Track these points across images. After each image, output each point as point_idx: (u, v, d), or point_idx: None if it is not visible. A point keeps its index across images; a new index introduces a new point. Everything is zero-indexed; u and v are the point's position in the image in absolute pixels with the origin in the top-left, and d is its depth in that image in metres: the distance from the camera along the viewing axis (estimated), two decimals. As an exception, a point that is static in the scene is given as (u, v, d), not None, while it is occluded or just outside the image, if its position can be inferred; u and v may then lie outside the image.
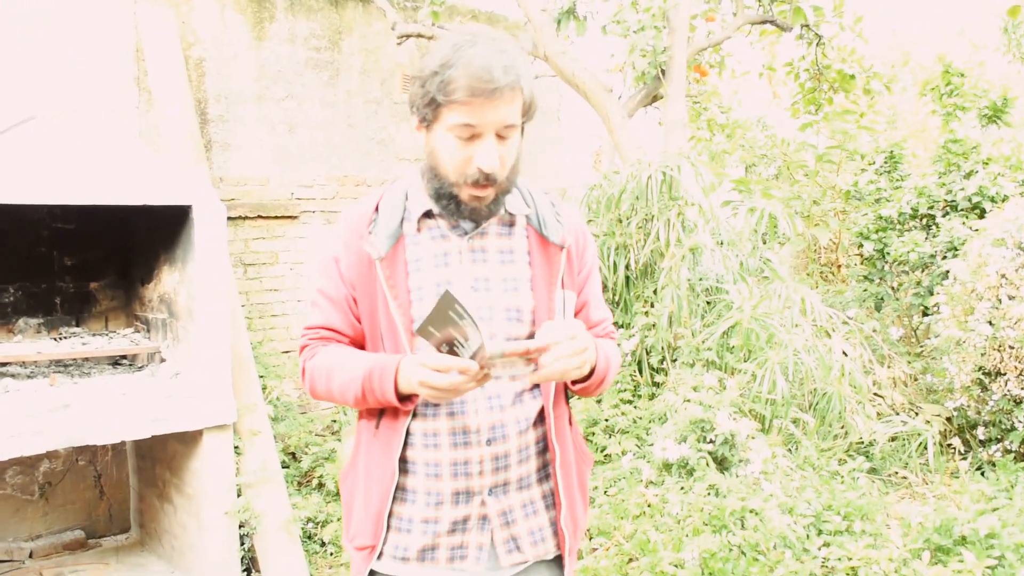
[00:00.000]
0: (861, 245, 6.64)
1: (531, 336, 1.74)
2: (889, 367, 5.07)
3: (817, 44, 6.58)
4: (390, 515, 1.74)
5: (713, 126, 7.66)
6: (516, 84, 1.58)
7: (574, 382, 1.72)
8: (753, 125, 7.89)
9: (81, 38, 4.86)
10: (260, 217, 5.70)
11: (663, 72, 4.90)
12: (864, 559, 3.23)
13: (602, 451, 4.21)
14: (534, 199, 1.81)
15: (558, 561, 1.83)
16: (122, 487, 4.88)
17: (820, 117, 6.94)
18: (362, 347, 1.79)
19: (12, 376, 4.05)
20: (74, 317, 4.63)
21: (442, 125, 1.61)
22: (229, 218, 5.51)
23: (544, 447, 1.78)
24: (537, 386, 1.77)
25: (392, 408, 1.70)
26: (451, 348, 1.52)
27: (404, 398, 1.64)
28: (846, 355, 4.72)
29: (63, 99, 4.80)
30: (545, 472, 1.80)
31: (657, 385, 4.29)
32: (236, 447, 4.16)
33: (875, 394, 4.85)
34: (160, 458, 4.43)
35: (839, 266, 8.19)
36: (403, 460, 1.73)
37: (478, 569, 1.72)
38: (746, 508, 3.42)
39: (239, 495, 4.06)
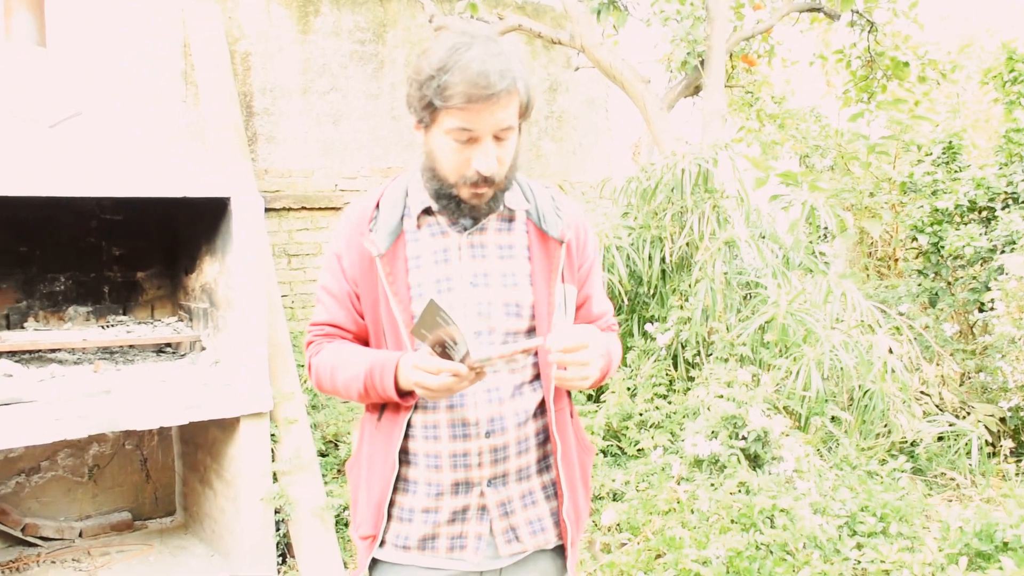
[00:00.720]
0: (915, 239, 6.44)
1: (531, 330, 1.75)
2: (938, 364, 4.92)
3: (869, 31, 6.38)
4: (392, 505, 1.78)
5: (763, 116, 7.50)
6: (512, 88, 1.58)
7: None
8: (806, 115, 7.70)
9: (131, 34, 4.99)
10: (304, 208, 5.79)
11: (702, 63, 4.80)
12: (897, 562, 3.14)
13: (635, 445, 4.17)
14: (534, 194, 1.81)
15: (559, 551, 1.84)
16: (168, 471, 5.02)
17: (872, 106, 6.73)
18: (366, 342, 1.82)
19: (60, 362, 4.19)
20: (122, 306, 4.77)
21: (439, 128, 1.62)
22: (274, 209, 5.61)
23: (544, 439, 1.80)
24: (537, 378, 1.78)
25: (394, 402, 1.73)
26: (444, 349, 1.54)
27: (405, 394, 1.67)
28: (892, 352, 4.60)
29: (114, 94, 4.94)
30: (546, 463, 1.82)
31: (692, 380, 4.23)
32: (273, 435, 4.24)
33: (921, 392, 4.71)
34: (202, 444, 4.54)
35: (895, 260, 7.96)
36: (404, 452, 1.76)
37: (477, 559, 1.75)
38: (776, 507, 3.36)
39: (275, 481, 4.14)
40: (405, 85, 1.68)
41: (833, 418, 4.16)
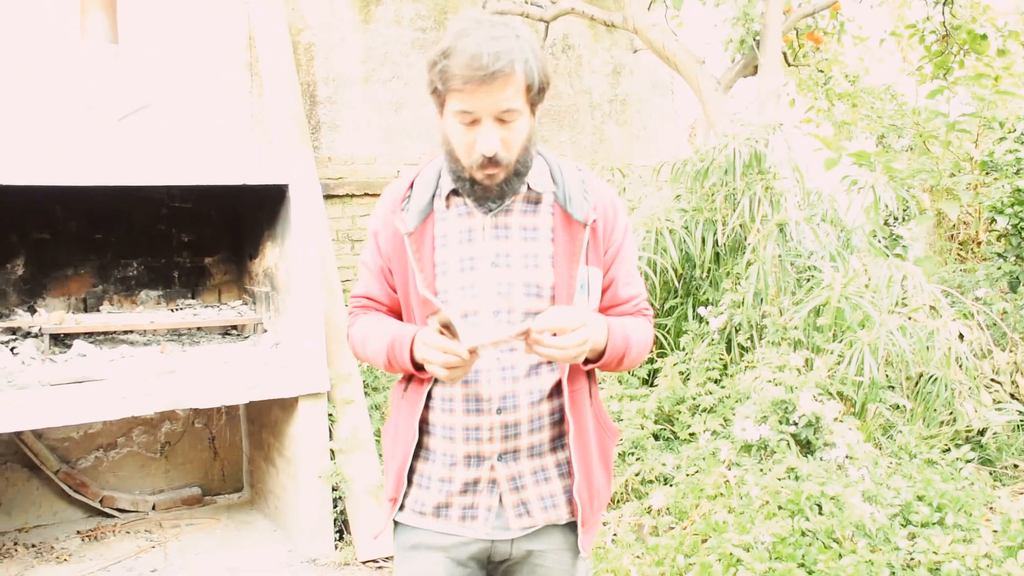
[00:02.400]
0: (993, 220, 6.17)
1: None
2: (1012, 351, 4.72)
3: (944, 3, 6.11)
4: (413, 471, 1.86)
5: (833, 95, 7.27)
6: (508, 69, 1.61)
7: (585, 361, 1.77)
8: (881, 94, 7.44)
9: (198, 28, 5.17)
10: (367, 195, 5.90)
11: (757, 42, 4.69)
12: (950, 554, 3.05)
13: (687, 429, 4.15)
14: (563, 176, 1.84)
15: (573, 527, 1.88)
16: (235, 449, 5.22)
17: (949, 82, 6.45)
18: (399, 315, 1.92)
19: (131, 343, 4.40)
20: (190, 290, 4.97)
21: (448, 111, 1.68)
22: (337, 196, 5.74)
23: (560, 418, 1.84)
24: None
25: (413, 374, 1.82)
26: (452, 331, 1.61)
27: (421, 366, 1.73)
28: (962, 337, 4.43)
29: (182, 87, 5.14)
30: (561, 442, 1.85)
31: (746, 364, 4.18)
32: (330, 414, 4.37)
33: (992, 380, 4.53)
34: (265, 423, 4.71)
35: (978, 243, 7.63)
36: (425, 421, 1.85)
37: (487, 529, 1.81)
38: (824, 494, 3.30)
39: (332, 459, 4.27)
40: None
41: (894, 406, 4.05)
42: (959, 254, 7.56)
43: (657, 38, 4.70)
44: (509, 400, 1.76)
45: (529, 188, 1.79)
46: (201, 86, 5.15)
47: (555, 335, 1.60)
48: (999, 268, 6.15)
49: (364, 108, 5.84)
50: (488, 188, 1.73)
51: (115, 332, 4.45)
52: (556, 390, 1.82)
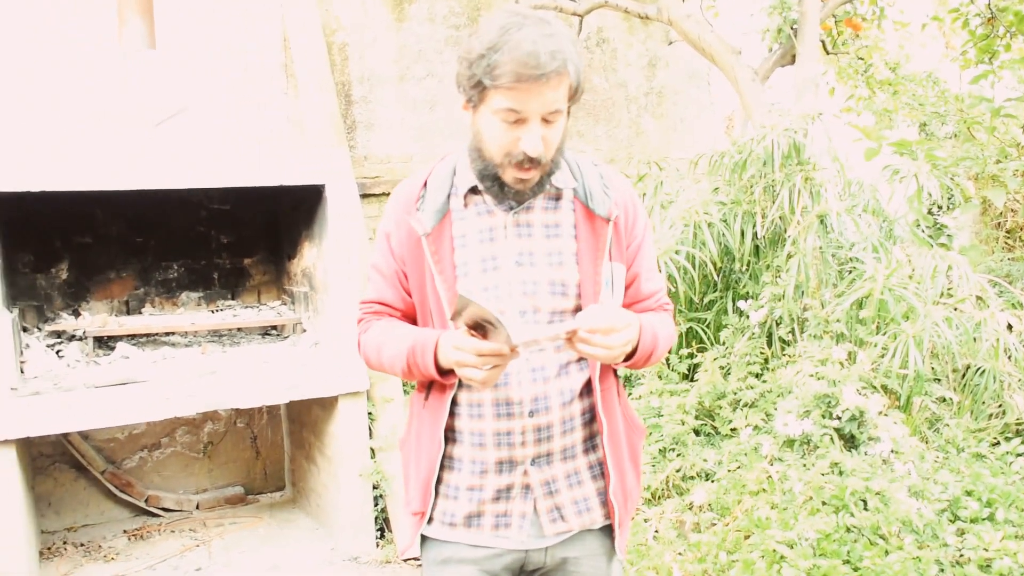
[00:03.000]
0: (1043, 207, 6.00)
1: (577, 310, 1.75)
2: (1064, 342, 4.58)
3: (990, -15, 5.96)
4: (439, 482, 1.81)
5: (873, 83, 7.13)
6: (563, 69, 1.58)
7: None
8: (923, 81, 7.28)
9: (233, 32, 5.23)
10: (403, 193, 5.92)
11: (794, 31, 4.60)
12: (1001, 551, 2.97)
13: (728, 424, 4.10)
14: (582, 171, 1.80)
15: (607, 531, 1.84)
16: (277, 448, 5.27)
17: (996, 67, 6.28)
18: (414, 320, 1.85)
19: (173, 345, 4.46)
20: (230, 291, 5.02)
21: (488, 108, 1.63)
22: (373, 195, 5.76)
23: (591, 418, 1.80)
24: (583, 358, 1.77)
25: (437, 380, 1.76)
26: (483, 331, 1.55)
27: (445, 372, 1.69)
28: (1011, 328, 4.32)
29: (219, 90, 5.19)
30: (592, 443, 1.82)
31: (788, 358, 4.11)
32: (369, 413, 4.39)
33: (1043, 371, 4.40)
34: (306, 422, 4.75)
35: (1025, 231, 7.43)
36: (450, 430, 1.79)
37: (521, 536, 1.76)
38: (870, 489, 3.23)
39: (372, 458, 4.29)
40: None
41: (940, 399, 3.96)
42: (1007, 242, 7.38)
43: (692, 29, 4.64)
44: (541, 402, 1.72)
45: (550, 184, 1.75)
46: (237, 89, 5.20)
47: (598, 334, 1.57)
48: (1049, 256, 6.00)
49: (398, 107, 5.85)
50: (520, 192, 1.70)
51: (157, 334, 4.52)
52: (585, 389, 1.78)
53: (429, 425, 1.80)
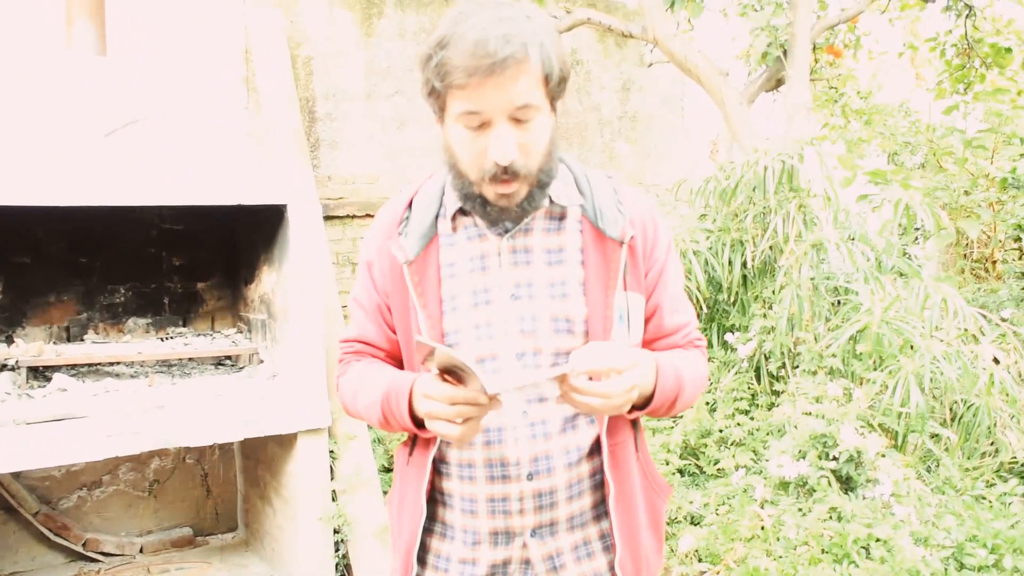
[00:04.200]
0: (1020, 238, 5.95)
1: None
2: (1051, 377, 4.46)
3: (967, 15, 5.91)
4: (429, 550, 1.55)
5: (848, 112, 7.07)
6: (521, 55, 1.30)
7: (631, 408, 1.44)
8: (895, 110, 7.24)
9: (193, 42, 4.93)
10: (369, 216, 5.64)
11: (785, 53, 4.46)
12: (1015, 603, 2.78)
13: (715, 464, 3.88)
14: (591, 186, 1.53)
15: None
16: (229, 486, 4.91)
17: (970, 97, 6.24)
18: (401, 363, 1.60)
19: (117, 376, 4.11)
20: (182, 317, 4.69)
21: (450, 115, 1.37)
22: (337, 217, 5.48)
23: (602, 480, 1.53)
24: None
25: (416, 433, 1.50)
26: (459, 377, 1.30)
27: (422, 423, 1.42)
28: (997, 362, 4.19)
29: (176, 102, 4.88)
30: (605, 508, 1.55)
31: (776, 394, 3.91)
32: (332, 451, 4.08)
33: (1033, 407, 4.27)
34: (262, 459, 4.42)
35: (994, 262, 7.41)
36: (440, 491, 1.54)
37: None
38: (872, 536, 3.02)
39: (334, 500, 3.98)
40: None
41: (933, 436, 3.79)
42: (974, 273, 7.34)
43: (679, 49, 4.47)
44: (542, 463, 1.46)
45: (551, 201, 1.48)
46: (195, 101, 4.89)
47: (591, 379, 1.30)
48: (1023, 288, 5.93)
49: (366, 125, 5.59)
50: (506, 210, 1.42)
51: (100, 364, 4.16)
52: (597, 447, 1.51)
53: (413, 486, 1.54)
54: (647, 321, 1.57)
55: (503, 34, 1.29)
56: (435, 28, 1.37)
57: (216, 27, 4.96)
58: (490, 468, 1.47)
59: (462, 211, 1.50)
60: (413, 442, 1.57)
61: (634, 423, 1.60)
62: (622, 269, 1.49)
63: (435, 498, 1.54)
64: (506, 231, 1.49)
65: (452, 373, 1.29)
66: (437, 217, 1.51)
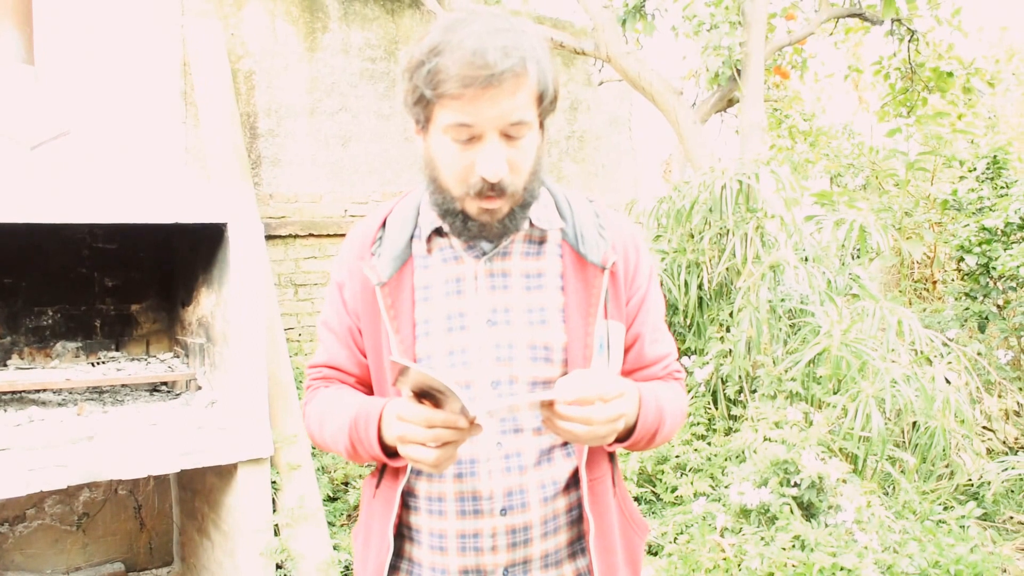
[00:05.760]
0: (962, 259, 6.04)
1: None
2: (1000, 396, 4.51)
3: (910, 40, 6.01)
4: None
5: (795, 134, 7.13)
6: (519, 69, 1.24)
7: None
8: (838, 132, 7.34)
9: (128, 52, 4.71)
10: (311, 235, 5.46)
11: (739, 72, 4.45)
12: (981, 631, 2.74)
13: (672, 491, 3.79)
14: (572, 209, 1.46)
15: None
16: (164, 518, 4.66)
17: (912, 120, 6.34)
18: (371, 389, 1.49)
19: (43, 403, 3.86)
20: (114, 341, 4.44)
21: (437, 127, 1.29)
22: (279, 236, 5.29)
23: (579, 516, 1.45)
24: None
25: (385, 462, 1.40)
26: (433, 400, 1.20)
27: (393, 452, 1.32)
28: (949, 383, 4.20)
29: (109, 115, 4.66)
30: (580, 545, 1.46)
31: (734, 419, 3.85)
32: (274, 482, 3.89)
33: (984, 427, 4.30)
34: (199, 490, 4.19)
35: (934, 282, 7.54)
36: (407, 526, 1.44)
37: None
38: (837, 565, 2.96)
39: (276, 535, 3.78)
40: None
41: (891, 459, 3.77)
42: (916, 293, 7.45)
43: (632, 67, 4.42)
44: (516, 497, 1.37)
45: (531, 224, 1.41)
46: (130, 114, 4.68)
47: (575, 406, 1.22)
48: (967, 309, 6.01)
49: (309, 142, 5.42)
50: (487, 226, 1.34)
51: (24, 391, 3.90)
52: (573, 480, 1.43)
53: (379, 520, 1.44)
54: (626, 351, 1.50)
55: (502, 46, 1.22)
56: (425, 35, 1.29)
57: (152, 38, 4.76)
58: (461, 502, 1.38)
59: (438, 232, 1.43)
60: (381, 473, 1.47)
61: (611, 457, 1.52)
62: (603, 296, 1.42)
63: (402, 533, 1.44)
64: (483, 254, 1.41)
65: (428, 396, 1.19)
66: (412, 238, 1.43)
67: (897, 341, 3.92)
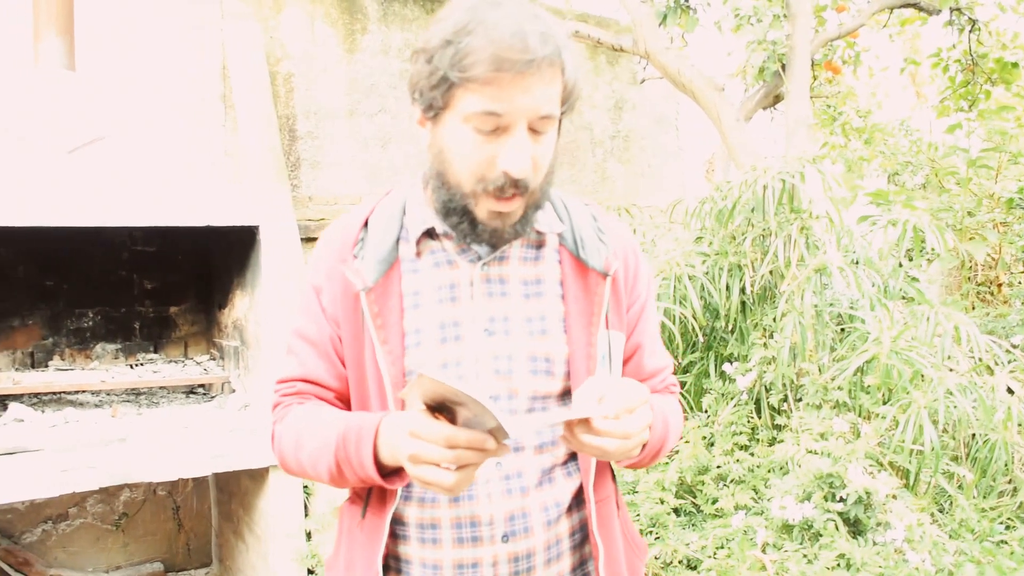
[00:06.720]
0: (1028, 261, 5.74)
1: (565, 393, 1.30)
2: (1068, 408, 4.24)
3: (971, 29, 5.73)
4: None
5: (849, 131, 6.88)
6: (555, 58, 1.15)
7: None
8: (895, 129, 7.06)
9: (168, 57, 4.74)
10: (352, 237, 5.43)
11: (783, 67, 4.28)
12: (1043, 662, 2.55)
13: (713, 503, 3.64)
14: (570, 213, 1.36)
15: None
16: (203, 519, 4.68)
17: (974, 115, 6.06)
18: (350, 405, 1.37)
19: (80, 405, 3.89)
20: (153, 343, 4.47)
21: (456, 114, 1.18)
22: (317, 239, 5.27)
23: (582, 539, 1.35)
24: (573, 458, 1.32)
25: (380, 488, 1.28)
26: (449, 413, 1.07)
27: (389, 473, 1.21)
28: (1012, 392, 3.97)
29: (149, 120, 4.69)
30: (583, 571, 1.36)
31: (778, 428, 3.68)
32: (306, 486, 3.85)
33: (1050, 441, 4.05)
34: (235, 492, 4.19)
35: (999, 285, 7.21)
36: (394, 557, 1.32)
37: None
38: (886, 587, 2.80)
39: (308, 540, 3.75)
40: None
41: (946, 474, 3.56)
42: (979, 297, 7.14)
43: (672, 63, 4.28)
44: (518, 521, 1.27)
45: (531, 228, 1.31)
46: (170, 119, 4.70)
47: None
48: (1034, 313, 5.72)
49: (348, 144, 5.39)
50: (498, 231, 1.23)
51: (64, 392, 3.94)
52: (575, 502, 1.33)
53: (363, 551, 1.32)
54: (625, 362, 1.40)
55: (541, 32, 1.13)
56: (440, 16, 1.20)
57: (191, 42, 4.77)
58: (458, 529, 1.27)
59: (428, 234, 1.32)
60: (367, 498, 1.34)
61: (613, 476, 1.43)
62: (605, 304, 1.32)
63: (388, 565, 1.32)
64: (478, 259, 1.31)
65: (442, 410, 1.07)
66: (398, 240, 1.32)
67: (954, 348, 3.72)
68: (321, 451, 1.26)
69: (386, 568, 1.31)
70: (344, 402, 1.38)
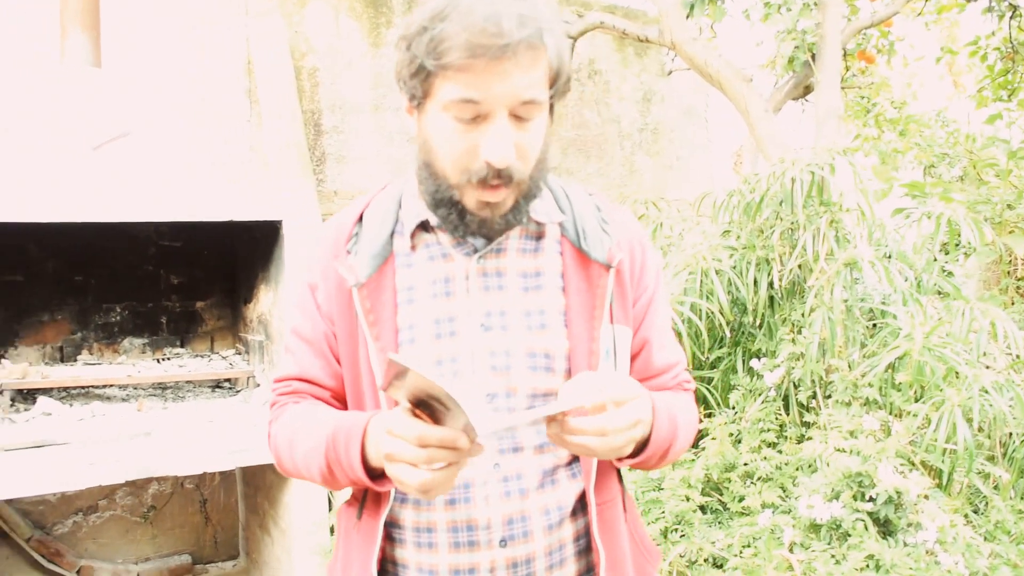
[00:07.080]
0: (1069, 255, 5.59)
1: None
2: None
3: (1011, 16, 5.57)
4: None
5: (882, 122, 6.74)
6: (535, 40, 1.10)
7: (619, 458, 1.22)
8: (931, 120, 6.90)
9: (193, 52, 4.76)
10: (378, 231, 5.43)
11: (813, 56, 4.18)
12: (1081, 670, 2.47)
13: (739, 501, 3.58)
14: (572, 202, 1.31)
15: None
16: (230, 513, 4.71)
17: (1014, 105, 5.90)
18: (347, 404, 1.35)
19: (107, 399, 3.92)
20: (180, 337, 4.50)
21: (436, 103, 1.15)
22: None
23: (588, 545, 1.30)
24: (576, 459, 1.28)
25: (367, 486, 1.25)
26: (432, 411, 1.04)
27: (377, 474, 1.18)
28: (1050, 390, 3.86)
29: (175, 115, 4.71)
30: None
31: (807, 425, 3.61)
32: (329, 481, 3.86)
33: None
34: (260, 486, 4.21)
35: (1040, 280, 7.03)
36: (391, 561, 1.29)
37: None
38: (916, 589, 2.72)
39: (332, 534, 3.75)
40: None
41: (982, 474, 3.47)
42: (1019, 292, 6.97)
43: (699, 54, 4.21)
44: (517, 525, 1.23)
45: (529, 218, 1.27)
46: (195, 114, 4.72)
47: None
48: (1075, 309, 5.57)
49: (373, 138, 5.38)
50: (487, 221, 1.20)
51: (92, 386, 3.98)
52: (580, 505, 1.28)
53: (359, 554, 1.29)
54: (633, 358, 1.35)
55: (518, 13, 1.08)
56: (422, 3, 1.16)
57: (217, 37, 4.79)
58: (455, 532, 1.24)
59: (423, 227, 1.29)
60: (363, 500, 1.32)
61: (620, 478, 1.38)
62: (608, 297, 1.27)
63: (385, 569, 1.30)
64: (474, 251, 1.27)
65: (425, 407, 1.04)
66: (393, 234, 1.29)
67: (991, 344, 3.62)
68: (313, 452, 1.23)
69: (382, 572, 1.29)
70: (341, 401, 1.36)
